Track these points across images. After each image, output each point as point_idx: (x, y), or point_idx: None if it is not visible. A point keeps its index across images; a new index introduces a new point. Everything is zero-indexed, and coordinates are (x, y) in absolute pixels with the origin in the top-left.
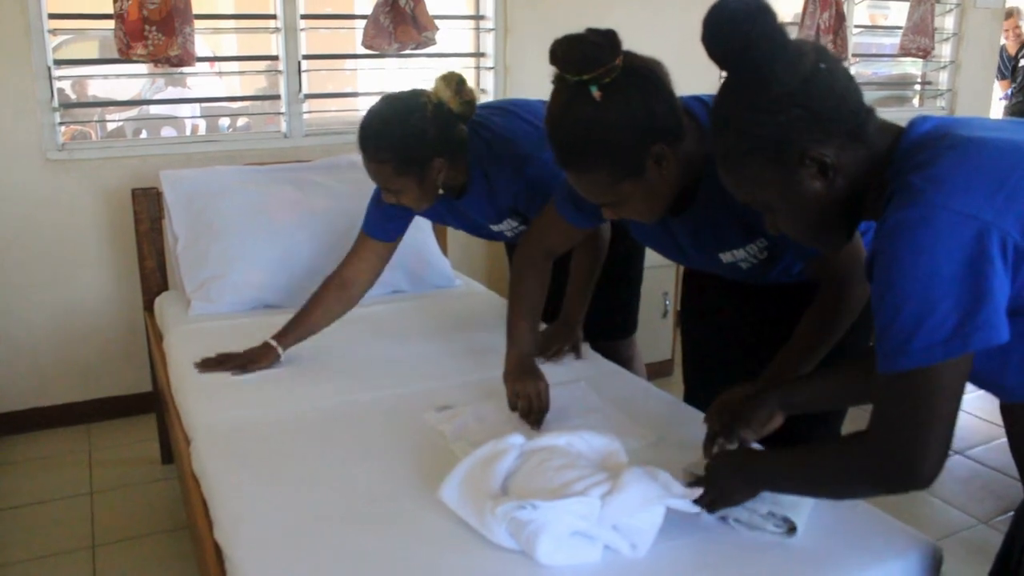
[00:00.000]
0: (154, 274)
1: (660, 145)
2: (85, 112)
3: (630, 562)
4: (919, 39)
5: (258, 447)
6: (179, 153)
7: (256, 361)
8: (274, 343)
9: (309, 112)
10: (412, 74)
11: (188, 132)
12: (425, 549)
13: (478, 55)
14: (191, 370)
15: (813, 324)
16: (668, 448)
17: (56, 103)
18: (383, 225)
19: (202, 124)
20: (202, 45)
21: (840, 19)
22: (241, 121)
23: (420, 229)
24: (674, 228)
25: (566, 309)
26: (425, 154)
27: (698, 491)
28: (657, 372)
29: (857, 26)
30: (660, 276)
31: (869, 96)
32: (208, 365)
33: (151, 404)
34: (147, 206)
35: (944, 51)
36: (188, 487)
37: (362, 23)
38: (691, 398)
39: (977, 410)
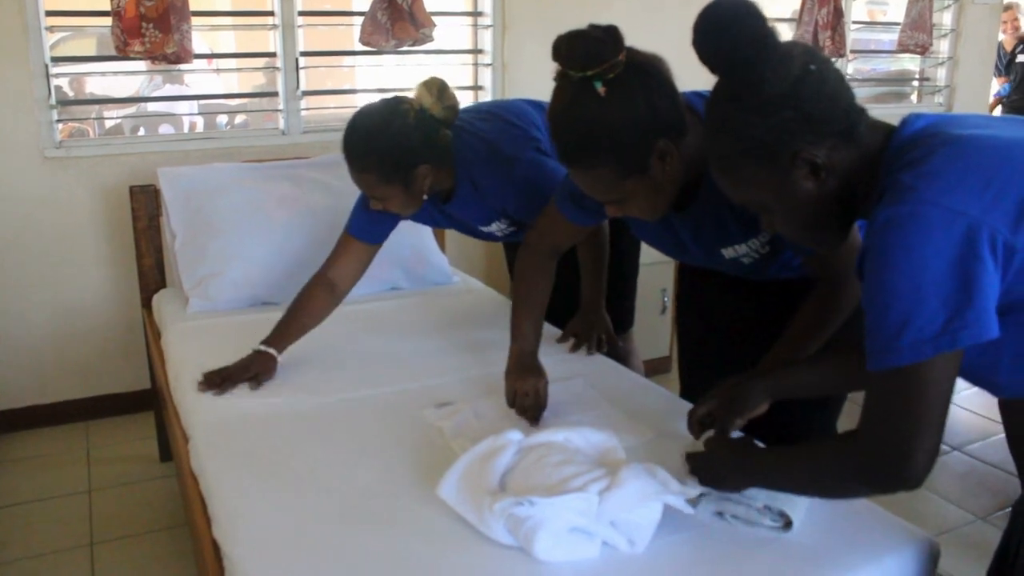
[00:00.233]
0: (152, 271)
1: (664, 141)
2: (83, 109)
3: (628, 558)
4: (917, 35)
5: (256, 444)
6: (177, 150)
7: (264, 372)
8: (271, 351)
9: (307, 109)
10: (410, 71)
11: (186, 129)
12: (423, 546)
13: (476, 52)
14: (189, 367)
15: (807, 320)
16: (666, 444)
17: (53, 100)
18: (370, 228)
19: (200, 121)
20: (200, 42)
21: (838, 15)
22: (239, 118)
23: (418, 227)
24: (676, 224)
25: (586, 298)
26: (410, 161)
27: (696, 490)
28: (655, 369)
29: (855, 22)
30: (658, 272)
31: (867, 92)
32: (212, 383)
33: (149, 401)
34: (145, 203)
35: (942, 47)
36: (186, 484)
37: (360, 20)
38: (687, 394)
39: (974, 406)
